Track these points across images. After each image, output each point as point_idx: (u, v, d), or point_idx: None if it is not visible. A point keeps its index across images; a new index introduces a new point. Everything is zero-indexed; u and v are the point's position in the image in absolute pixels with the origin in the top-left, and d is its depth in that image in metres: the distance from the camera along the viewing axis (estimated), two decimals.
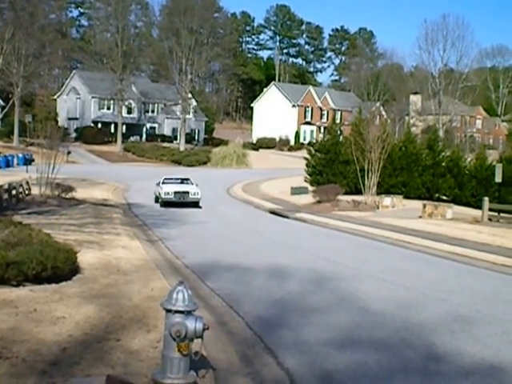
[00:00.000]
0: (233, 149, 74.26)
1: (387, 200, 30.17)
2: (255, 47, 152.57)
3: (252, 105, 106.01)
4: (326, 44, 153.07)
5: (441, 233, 20.79)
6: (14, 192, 23.53)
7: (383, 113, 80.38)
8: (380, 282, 12.18)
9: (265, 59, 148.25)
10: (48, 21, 75.59)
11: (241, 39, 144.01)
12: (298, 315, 9.16)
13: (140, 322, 7.87)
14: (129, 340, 7.06)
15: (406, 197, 32.70)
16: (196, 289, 10.28)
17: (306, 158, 40.05)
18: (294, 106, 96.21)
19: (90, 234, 16.33)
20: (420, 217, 26.42)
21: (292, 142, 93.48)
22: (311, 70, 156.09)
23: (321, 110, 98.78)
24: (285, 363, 6.95)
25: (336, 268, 13.65)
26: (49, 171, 25.87)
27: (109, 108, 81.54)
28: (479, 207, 26.59)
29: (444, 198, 33.72)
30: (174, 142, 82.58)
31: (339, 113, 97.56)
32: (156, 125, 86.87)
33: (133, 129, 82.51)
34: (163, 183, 29.70)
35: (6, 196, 22.44)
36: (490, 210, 25.47)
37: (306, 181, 38.89)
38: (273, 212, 28.61)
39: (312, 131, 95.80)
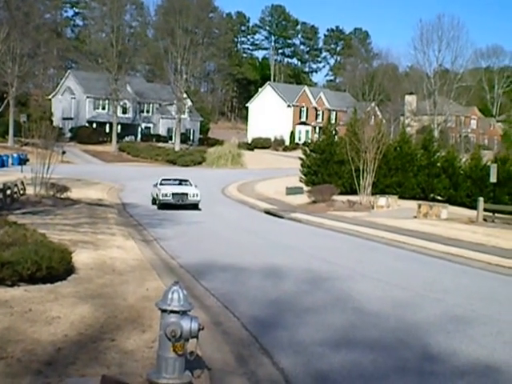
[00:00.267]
0: (228, 149, 74.31)
1: (382, 200, 30.23)
2: (250, 47, 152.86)
3: (247, 105, 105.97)
4: (321, 44, 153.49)
5: (436, 233, 20.82)
6: (8, 192, 23.42)
7: (378, 113, 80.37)
8: (375, 282, 12.20)
9: (260, 59, 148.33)
10: (43, 20, 75.53)
11: (236, 39, 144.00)
12: (293, 315, 9.16)
13: (135, 322, 7.85)
14: (124, 340, 7.04)
15: (401, 197, 32.75)
16: (191, 289, 10.27)
17: (301, 158, 40.08)
18: (289, 106, 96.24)
19: (84, 233, 16.29)
20: (415, 217, 26.47)
21: (287, 142, 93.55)
22: (306, 70, 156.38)
23: (316, 110, 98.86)
24: (280, 363, 6.94)
25: (331, 268, 13.67)
26: (44, 171, 25.81)
27: (104, 108, 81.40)
28: (474, 207, 26.68)
29: (439, 198, 33.81)
30: (169, 141, 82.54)
31: (334, 113, 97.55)
32: (151, 125, 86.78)
33: (128, 129, 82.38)
34: (161, 184, 28.46)
35: (0, 196, 22.38)
36: (485, 210, 25.54)
37: (301, 181, 38.91)
38: (268, 212, 28.60)
39: (307, 131, 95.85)
